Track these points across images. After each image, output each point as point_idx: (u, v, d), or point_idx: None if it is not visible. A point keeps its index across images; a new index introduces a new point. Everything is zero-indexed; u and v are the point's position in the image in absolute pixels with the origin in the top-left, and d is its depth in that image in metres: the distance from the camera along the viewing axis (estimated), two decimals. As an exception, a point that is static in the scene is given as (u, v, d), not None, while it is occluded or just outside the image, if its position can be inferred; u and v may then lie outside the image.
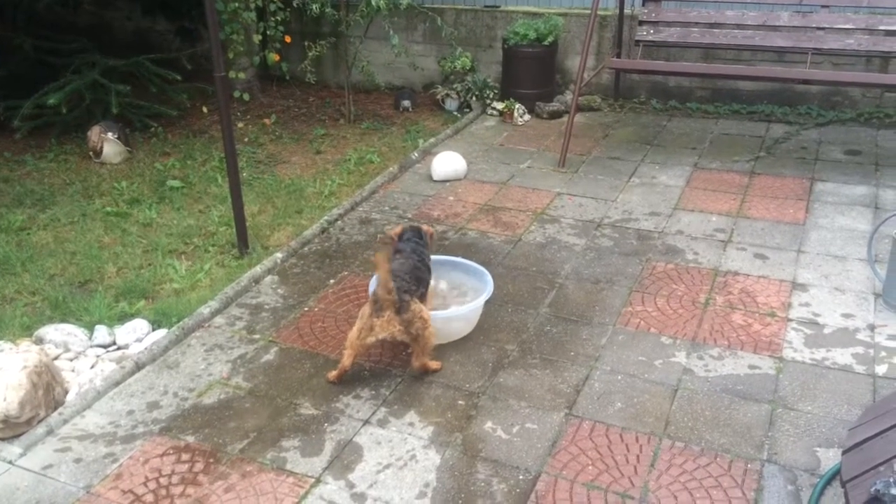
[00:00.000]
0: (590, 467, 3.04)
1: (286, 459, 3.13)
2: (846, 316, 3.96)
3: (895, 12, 5.67)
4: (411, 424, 3.32)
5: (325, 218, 5.13)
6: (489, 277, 3.96)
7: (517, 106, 6.94)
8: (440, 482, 3.00)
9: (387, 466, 3.09)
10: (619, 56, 6.57)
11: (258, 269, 4.52)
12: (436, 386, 3.56)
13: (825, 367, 3.58)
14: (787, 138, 6.30)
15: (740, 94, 6.94)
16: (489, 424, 3.30)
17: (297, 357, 3.80)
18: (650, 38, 6.14)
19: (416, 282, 3.48)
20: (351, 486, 3.00)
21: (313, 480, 3.03)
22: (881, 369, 3.54)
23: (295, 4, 6.62)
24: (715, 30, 6.04)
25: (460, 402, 3.45)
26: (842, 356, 3.65)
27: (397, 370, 3.67)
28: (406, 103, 7.50)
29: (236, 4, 6.54)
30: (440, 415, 3.37)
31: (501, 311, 4.11)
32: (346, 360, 3.46)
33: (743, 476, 2.97)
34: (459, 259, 4.23)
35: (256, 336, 3.98)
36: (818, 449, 3.10)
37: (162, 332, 3.97)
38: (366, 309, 3.39)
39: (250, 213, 5.26)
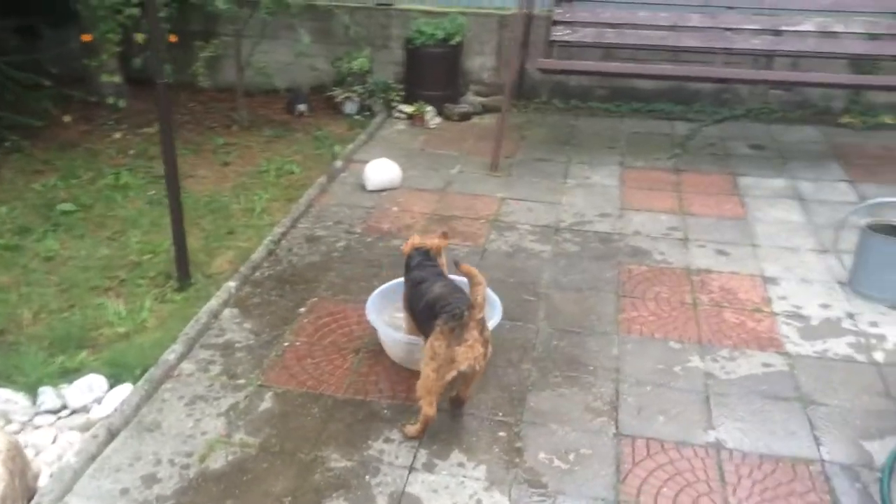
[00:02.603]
0: (665, 489, 2.91)
1: (340, 525, 2.74)
2: (824, 306, 4.12)
3: (793, 12, 6.03)
4: (461, 465, 3.02)
5: (269, 238, 4.63)
6: (495, 297, 3.71)
7: (428, 108, 6.70)
8: (519, 527, 2.75)
9: (455, 517, 2.79)
10: (526, 57, 6.50)
11: (214, 302, 3.97)
12: (467, 418, 3.27)
13: (830, 359, 3.70)
14: (693, 135, 6.55)
15: (639, 93, 7.13)
16: (542, 455, 3.08)
17: (298, 401, 3.35)
18: (566, 38, 6.13)
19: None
20: (425, 546, 2.67)
21: (381, 545, 2.67)
22: (879, 356, 3.70)
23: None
24: (627, 31, 6.14)
25: (501, 433, 3.19)
26: (839, 347, 3.78)
27: (416, 404, 3.33)
28: (302, 107, 7.01)
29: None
30: (487, 451, 3.09)
31: (499, 327, 3.86)
32: (431, 408, 3.03)
33: (811, 480, 2.96)
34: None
35: (241, 381, 3.48)
36: (863, 442, 3.16)
37: (125, 388, 3.36)
38: (437, 343, 2.95)
39: (175, 238, 4.64)
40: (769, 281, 4.36)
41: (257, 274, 4.35)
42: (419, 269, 3.35)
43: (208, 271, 4.36)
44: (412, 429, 3.13)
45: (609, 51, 6.81)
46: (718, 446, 3.13)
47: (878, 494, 2.88)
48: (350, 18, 7.15)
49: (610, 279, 4.36)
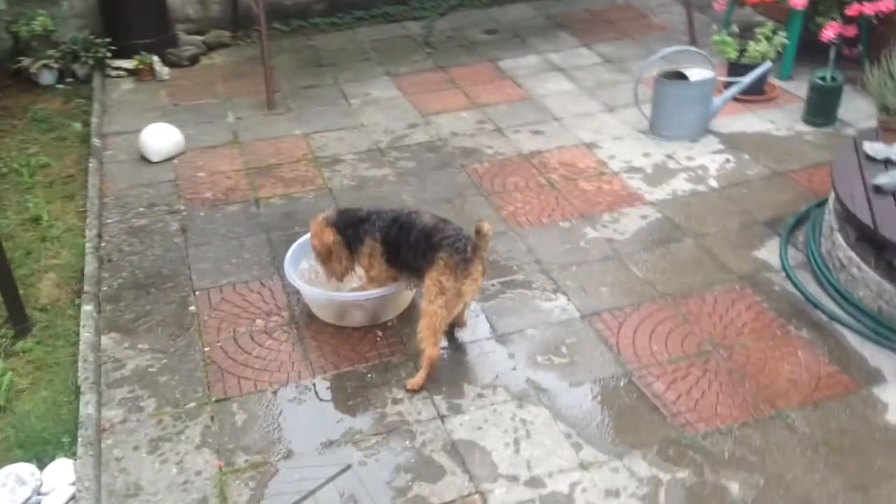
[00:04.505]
0: (656, 347, 3.19)
1: (423, 498, 2.58)
2: (646, 155, 4.64)
3: None
4: (481, 396, 2.99)
5: (89, 245, 3.86)
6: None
7: (155, 59, 5.89)
8: (573, 426, 2.84)
9: (516, 442, 2.78)
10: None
11: (86, 334, 3.27)
12: (450, 352, 3.20)
13: (683, 196, 4.23)
14: (430, 33, 6.65)
15: (355, 1, 7.01)
16: (539, 359, 3.16)
17: (273, 401, 2.99)
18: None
19: None
20: (514, 479, 2.64)
21: (476, 495, 2.58)
22: (713, 183, 4.33)
23: None
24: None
25: (489, 353, 3.20)
26: (681, 184, 4.33)
27: (393, 358, 3.17)
28: (-16, 90, 5.73)
29: None
30: (494, 376, 3.08)
31: (407, 259, 3.77)
32: (436, 349, 2.94)
33: (748, 297, 3.44)
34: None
35: (191, 405, 2.99)
36: (753, 253, 3.74)
37: (63, 464, 2.70)
38: (445, 277, 2.86)
39: (-41, 279, 3.67)
40: (591, 146, 4.76)
41: (105, 288, 3.64)
42: (377, 214, 3.15)
43: (39, 304, 3.54)
44: (415, 381, 3.00)
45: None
46: (664, 295, 3.48)
47: (794, 288, 3.48)
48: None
49: (465, 183, 4.43)
